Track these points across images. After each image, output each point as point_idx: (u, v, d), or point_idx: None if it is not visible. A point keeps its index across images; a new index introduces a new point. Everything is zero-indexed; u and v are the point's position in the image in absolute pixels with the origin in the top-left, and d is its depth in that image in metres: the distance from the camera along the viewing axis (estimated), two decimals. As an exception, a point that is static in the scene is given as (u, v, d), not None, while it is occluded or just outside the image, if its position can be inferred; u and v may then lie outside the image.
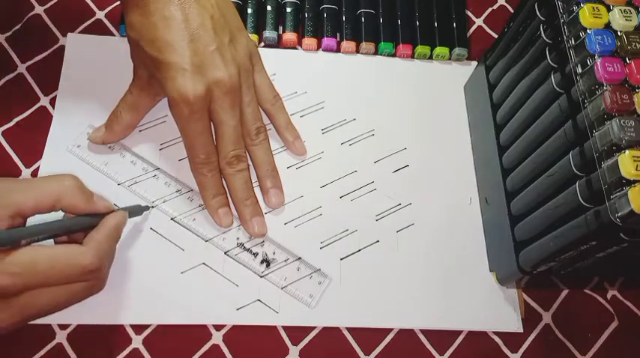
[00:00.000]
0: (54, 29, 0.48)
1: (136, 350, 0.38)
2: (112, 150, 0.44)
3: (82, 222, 0.36)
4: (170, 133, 0.45)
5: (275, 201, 0.43)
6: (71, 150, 0.43)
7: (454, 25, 0.51)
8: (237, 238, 0.42)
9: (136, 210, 0.40)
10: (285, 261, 0.41)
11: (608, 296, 0.44)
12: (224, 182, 0.42)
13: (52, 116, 0.45)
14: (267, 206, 0.43)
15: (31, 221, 0.34)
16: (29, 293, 0.32)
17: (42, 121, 0.44)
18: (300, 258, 0.42)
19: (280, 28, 0.50)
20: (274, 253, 0.41)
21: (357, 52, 0.50)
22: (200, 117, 0.39)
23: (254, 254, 0.41)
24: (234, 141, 0.41)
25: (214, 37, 0.39)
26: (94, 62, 0.47)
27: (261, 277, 0.41)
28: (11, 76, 0.46)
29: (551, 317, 0.43)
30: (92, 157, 0.43)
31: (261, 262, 0.41)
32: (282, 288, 0.41)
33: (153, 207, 0.42)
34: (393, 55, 0.51)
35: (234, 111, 0.40)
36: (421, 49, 0.50)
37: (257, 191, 0.43)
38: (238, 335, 0.40)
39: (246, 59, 0.42)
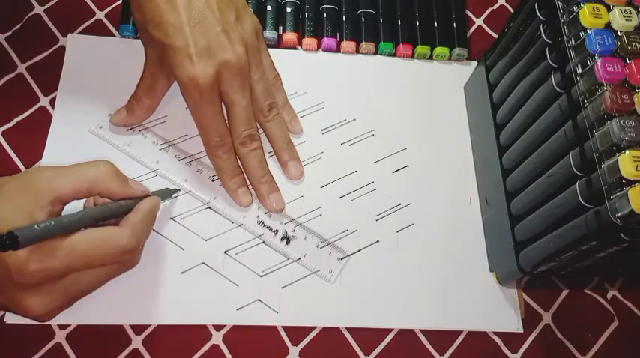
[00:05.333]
0: (54, 29, 0.48)
1: (135, 351, 0.38)
2: (133, 131, 0.44)
3: (119, 208, 0.36)
4: (170, 133, 0.45)
5: (294, 172, 0.44)
6: (94, 132, 0.44)
7: (454, 25, 0.51)
8: (257, 216, 0.42)
9: (165, 194, 0.41)
10: (304, 238, 0.42)
11: (608, 296, 0.44)
12: (239, 162, 0.43)
13: (52, 116, 0.45)
14: (288, 178, 0.44)
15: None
16: (73, 275, 0.34)
17: (42, 121, 0.44)
18: (320, 236, 0.42)
19: (280, 28, 0.50)
20: (294, 231, 0.42)
21: (357, 52, 0.50)
22: (211, 101, 0.39)
23: (274, 231, 0.42)
24: (246, 120, 0.41)
25: (220, 17, 0.39)
26: (94, 63, 0.47)
27: (261, 277, 0.41)
28: (11, 75, 0.46)
29: (551, 317, 0.43)
30: (115, 138, 0.44)
31: (281, 239, 0.42)
32: (300, 264, 0.41)
33: (179, 190, 0.43)
34: (393, 55, 0.51)
35: (244, 92, 0.40)
36: (421, 49, 0.50)
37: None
38: (238, 335, 0.40)
39: (253, 36, 0.42)
